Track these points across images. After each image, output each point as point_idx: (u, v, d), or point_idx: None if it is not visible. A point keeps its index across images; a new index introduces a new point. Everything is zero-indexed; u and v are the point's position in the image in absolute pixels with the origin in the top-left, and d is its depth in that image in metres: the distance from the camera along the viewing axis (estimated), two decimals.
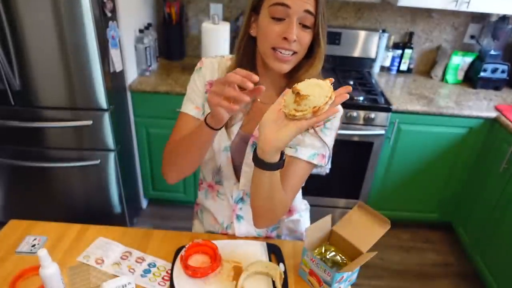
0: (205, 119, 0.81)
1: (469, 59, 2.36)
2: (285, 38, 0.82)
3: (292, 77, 0.91)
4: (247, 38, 0.89)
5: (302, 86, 0.68)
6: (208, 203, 1.13)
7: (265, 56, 0.87)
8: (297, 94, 0.67)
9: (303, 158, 0.90)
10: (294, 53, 0.85)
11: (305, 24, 0.83)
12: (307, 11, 0.81)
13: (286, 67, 0.86)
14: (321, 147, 0.92)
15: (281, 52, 0.84)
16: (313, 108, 0.66)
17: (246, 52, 0.90)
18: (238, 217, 1.08)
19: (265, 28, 0.84)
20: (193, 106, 0.98)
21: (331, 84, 0.69)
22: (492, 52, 2.28)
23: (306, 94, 0.66)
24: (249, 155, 0.97)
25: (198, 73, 0.99)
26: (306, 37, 0.84)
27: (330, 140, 0.93)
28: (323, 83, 0.68)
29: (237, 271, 0.96)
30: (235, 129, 0.97)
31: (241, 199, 1.07)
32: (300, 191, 1.11)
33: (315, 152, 0.91)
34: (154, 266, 0.98)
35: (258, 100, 0.96)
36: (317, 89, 0.67)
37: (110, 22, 1.76)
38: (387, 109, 2.01)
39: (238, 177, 1.03)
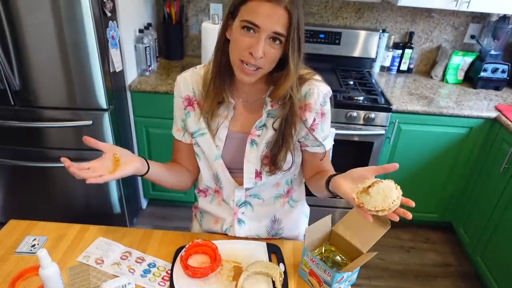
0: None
1: (469, 59, 2.36)
2: (251, 53, 0.82)
3: (272, 82, 0.93)
4: (224, 40, 0.89)
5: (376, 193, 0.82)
6: (212, 208, 1.13)
7: (233, 64, 0.88)
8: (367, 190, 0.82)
9: (331, 146, 1.06)
10: (259, 68, 0.85)
11: (275, 41, 0.83)
12: (276, 33, 0.81)
13: (250, 79, 0.88)
14: (327, 133, 1.04)
15: (246, 65, 0.84)
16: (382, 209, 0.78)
17: (224, 53, 0.90)
18: (240, 221, 1.08)
19: (235, 37, 0.84)
20: (176, 128, 1.07)
21: None
22: (493, 52, 2.28)
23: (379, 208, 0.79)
24: (250, 151, 0.99)
25: (175, 93, 1.04)
26: (275, 53, 0.84)
27: (329, 122, 1.03)
28: (393, 191, 0.82)
29: (237, 271, 0.96)
30: (222, 135, 1.00)
31: (244, 203, 1.07)
32: (304, 191, 1.19)
33: (331, 138, 1.06)
34: (154, 266, 0.98)
35: (240, 99, 0.99)
36: (385, 195, 0.81)
37: (110, 22, 1.76)
38: (387, 109, 2.01)
39: (237, 180, 1.03)
